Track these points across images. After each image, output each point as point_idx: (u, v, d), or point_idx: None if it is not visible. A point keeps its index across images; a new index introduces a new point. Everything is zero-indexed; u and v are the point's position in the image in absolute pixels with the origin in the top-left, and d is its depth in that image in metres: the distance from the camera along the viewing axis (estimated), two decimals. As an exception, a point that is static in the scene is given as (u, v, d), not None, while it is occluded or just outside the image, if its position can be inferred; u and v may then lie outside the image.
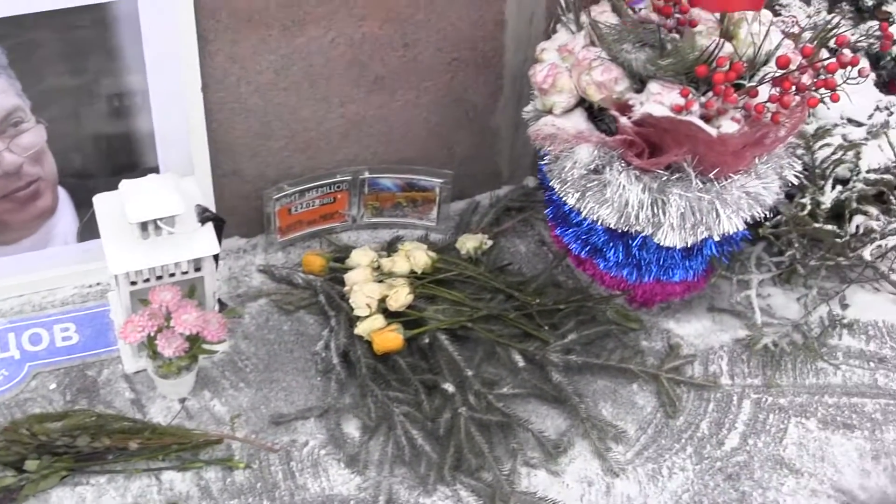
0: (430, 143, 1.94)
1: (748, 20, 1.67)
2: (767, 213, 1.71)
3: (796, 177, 1.74)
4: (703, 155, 1.61)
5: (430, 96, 1.87)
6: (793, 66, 1.54)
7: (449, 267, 1.85)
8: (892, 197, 1.86)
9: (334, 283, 1.85)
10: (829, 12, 2.02)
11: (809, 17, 1.98)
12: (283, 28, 1.69)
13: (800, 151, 1.78)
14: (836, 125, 1.84)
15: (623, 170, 1.64)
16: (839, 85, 1.55)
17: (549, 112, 1.70)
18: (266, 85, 1.75)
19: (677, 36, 1.65)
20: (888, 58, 1.98)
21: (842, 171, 1.87)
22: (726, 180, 1.65)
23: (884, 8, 1.98)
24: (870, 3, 1.97)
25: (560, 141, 1.68)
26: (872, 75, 1.97)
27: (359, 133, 1.87)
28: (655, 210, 1.64)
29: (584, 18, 1.72)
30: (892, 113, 1.93)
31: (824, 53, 1.63)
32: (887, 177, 1.82)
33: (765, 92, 1.56)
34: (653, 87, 1.60)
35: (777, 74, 1.56)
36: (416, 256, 1.82)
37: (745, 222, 1.68)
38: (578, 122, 1.68)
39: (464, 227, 1.98)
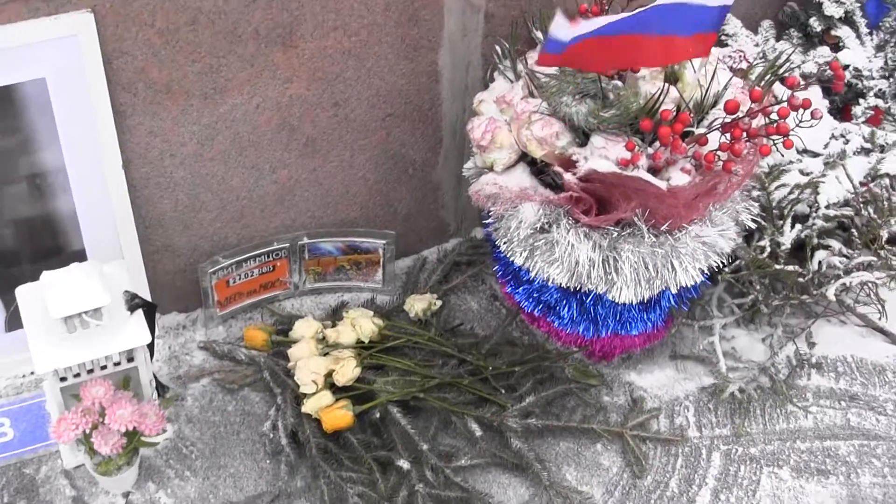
0: (370, 202, 1.85)
1: (692, 62, 1.59)
2: (725, 260, 1.62)
3: (754, 220, 1.65)
4: (654, 208, 1.53)
5: (366, 155, 1.78)
6: (742, 111, 1.45)
7: (397, 334, 1.75)
8: (853, 229, 1.79)
9: (279, 357, 1.76)
10: (778, 39, 1.94)
11: (757, 45, 1.91)
12: (203, 97, 1.60)
13: (756, 193, 1.69)
14: (791, 162, 1.76)
15: (571, 227, 1.56)
16: (792, 129, 1.47)
17: (490, 169, 1.60)
18: (191, 156, 1.65)
19: (620, 83, 1.56)
20: (844, 81, 1.90)
21: (801, 207, 1.78)
22: (680, 232, 1.56)
23: (832, 32, 1.90)
24: (818, 29, 1.89)
25: (503, 200, 1.59)
26: (826, 103, 1.90)
27: (294, 198, 1.78)
28: (608, 268, 1.55)
29: (521, 67, 1.63)
30: (847, 141, 1.86)
31: (779, 88, 1.54)
32: (846, 211, 1.74)
33: (715, 139, 1.48)
34: (596, 140, 1.52)
35: (727, 120, 1.47)
36: (362, 325, 1.73)
37: (704, 270, 1.59)
38: (521, 178, 1.60)
39: (411, 286, 1.89)
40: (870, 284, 1.78)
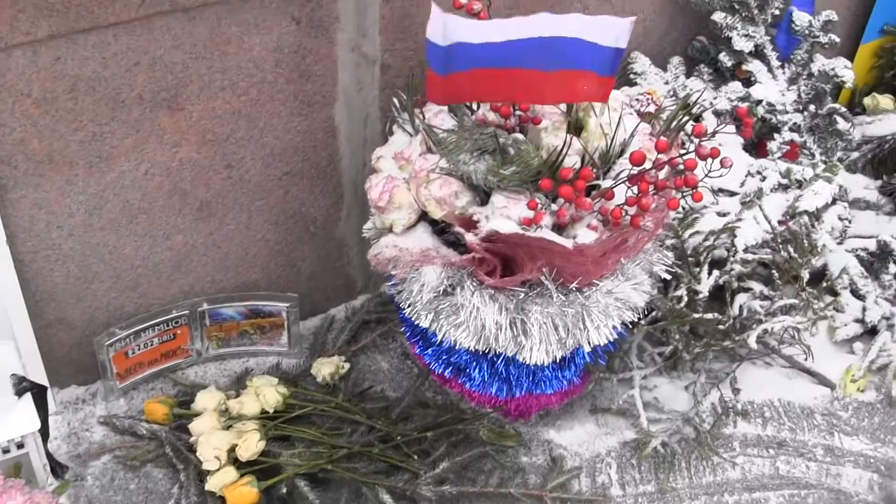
0: (272, 263, 1.77)
1: (595, 108, 1.52)
2: (640, 313, 1.56)
3: (668, 270, 1.59)
4: (561, 267, 1.46)
5: (264, 215, 1.71)
6: (649, 162, 1.39)
7: (302, 402, 1.67)
8: (773, 271, 1.73)
9: (181, 431, 1.66)
10: (688, 76, 1.88)
11: (667, 83, 1.85)
12: (88, 166, 1.52)
13: (670, 242, 1.63)
14: (704, 206, 1.70)
15: (476, 290, 1.48)
16: (701, 181, 1.41)
17: (390, 230, 1.53)
18: (80, 227, 1.57)
19: (521, 136, 1.49)
20: (755, 119, 1.85)
21: (719, 251, 1.72)
22: (591, 289, 1.49)
23: (743, 67, 1.84)
24: (728, 64, 1.83)
25: (404, 264, 1.51)
26: (740, 139, 1.84)
27: (191, 263, 1.70)
28: (516, 330, 1.48)
29: (418, 121, 1.56)
30: (764, 178, 1.80)
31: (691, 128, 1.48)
32: (764, 253, 1.69)
33: (621, 193, 1.41)
34: (497, 199, 1.45)
35: (633, 172, 1.40)
36: (266, 394, 1.65)
37: (617, 327, 1.53)
38: (423, 239, 1.53)
39: (319, 347, 1.81)
40: (791, 329, 1.72)
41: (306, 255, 1.80)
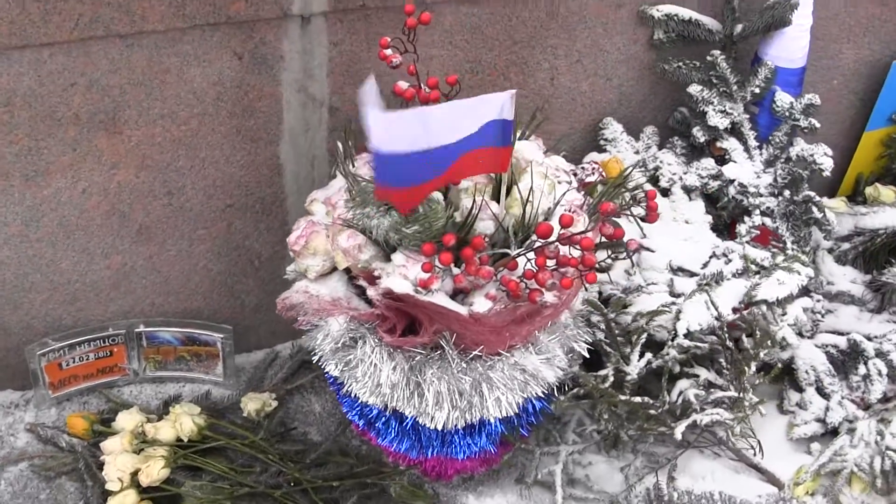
0: (215, 293, 1.77)
1: (531, 171, 1.48)
2: (556, 387, 1.51)
3: (592, 347, 1.53)
4: (460, 333, 1.42)
5: (205, 245, 1.71)
6: (559, 236, 1.35)
7: (217, 436, 1.66)
8: (722, 360, 1.66)
9: (97, 448, 1.67)
10: (661, 147, 1.82)
11: (637, 152, 1.79)
12: (24, 178, 1.54)
13: (596, 318, 1.57)
14: (640, 287, 1.64)
15: (377, 345, 1.45)
16: (600, 263, 1.35)
17: (305, 275, 1.51)
18: (16, 237, 1.59)
19: (437, 195, 1.46)
20: (727, 198, 1.77)
21: (662, 334, 1.66)
22: (496, 358, 1.44)
23: (718, 144, 1.77)
24: (701, 140, 1.76)
25: (311, 311, 1.49)
26: (709, 218, 1.77)
27: (131, 284, 1.71)
28: (411, 391, 1.44)
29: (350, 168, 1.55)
30: (729, 261, 1.72)
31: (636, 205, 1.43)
32: (702, 343, 1.61)
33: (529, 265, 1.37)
34: (397, 258, 1.42)
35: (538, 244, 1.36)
36: (183, 422, 1.64)
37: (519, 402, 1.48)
38: (336, 288, 1.50)
39: (256, 382, 1.80)
40: (722, 423, 1.64)
41: (251, 289, 1.80)
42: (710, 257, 1.77)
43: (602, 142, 1.83)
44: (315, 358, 1.54)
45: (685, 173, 1.80)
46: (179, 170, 1.62)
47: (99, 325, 1.74)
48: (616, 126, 1.84)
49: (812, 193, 1.76)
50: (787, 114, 1.78)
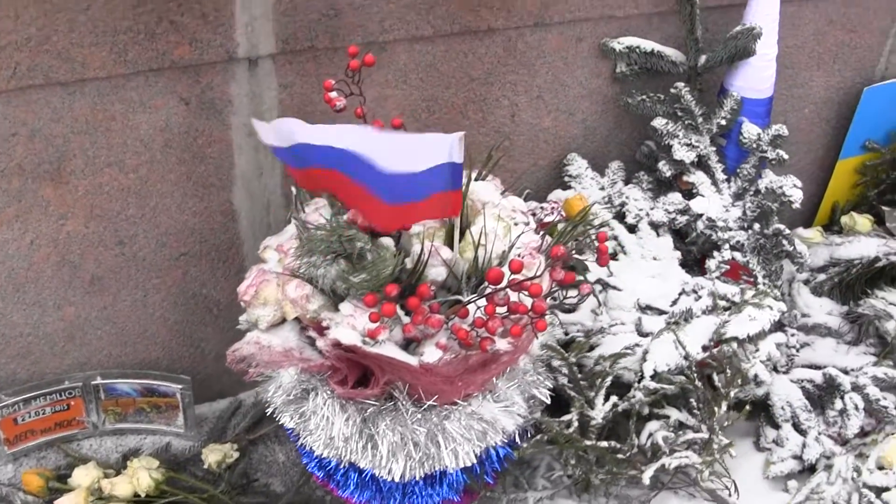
0: (173, 342, 1.73)
1: (484, 214, 1.44)
2: (519, 434, 1.46)
3: (553, 392, 1.49)
4: (412, 383, 1.38)
5: (161, 294, 1.66)
6: (510, 281, 1.30)
7: (175, 491, 1.62)
8: (692, 400, 1.61)
9: (54, 506, 1.63)
10: (627, 182, 1.78)
11: (603, 188, 1.75)
12: (-31, 232, 1.50)
13: (557, 363, 1.53)
14: (603, 329, 1.59)
15: (329, 397, 1.40)
16: (563, 303, 1.31)
17: (256, 326, 1.47)
18: (-36, 291, 1.55)
19: (388, 241, 1.42)
20: (695, 233, 1.73)
21: (629, 375, 1.61)
22: (451, 408, 1.39)
23: (685, 178, 1.72)
24: (667, 174, 1.72)
25: (261, 363, 1.45)
26: (678, 254, 1.72)
27: (86, 336, 1.67)
28: (365, 443, 1.40)
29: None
30: (699, 297, 1.68)
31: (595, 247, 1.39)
32: (675, 383, 1.56)
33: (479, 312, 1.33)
34: (345, 307, 1.38)
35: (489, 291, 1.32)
36: (140, 477, 1.60)
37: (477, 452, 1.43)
38: (288, 338, 1.46)
39: (219, 432, 1.76)
40: (691, 468, 1.59)
41: (210, 337, 1.75)
42: (680, 294, 1.72)
43: (567, 178, 1.79)
44: (268, 410, 1.49)
45: (652, 209, 1.75)
46: (130, 218, 1.58)
47: (55, 378, 1.70)
48: (581, 162, 1.80)
49: (782, 227, 1.72)
50: (754, 145, 1.74)
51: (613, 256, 1.76)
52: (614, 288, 1.71)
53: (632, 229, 1.77)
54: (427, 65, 1.63)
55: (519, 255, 1.42)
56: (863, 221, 1.97)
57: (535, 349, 1.50)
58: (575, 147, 1.83)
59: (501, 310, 1.34)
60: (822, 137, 2.08)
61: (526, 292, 1.30)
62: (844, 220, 2.01)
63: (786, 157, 1.72)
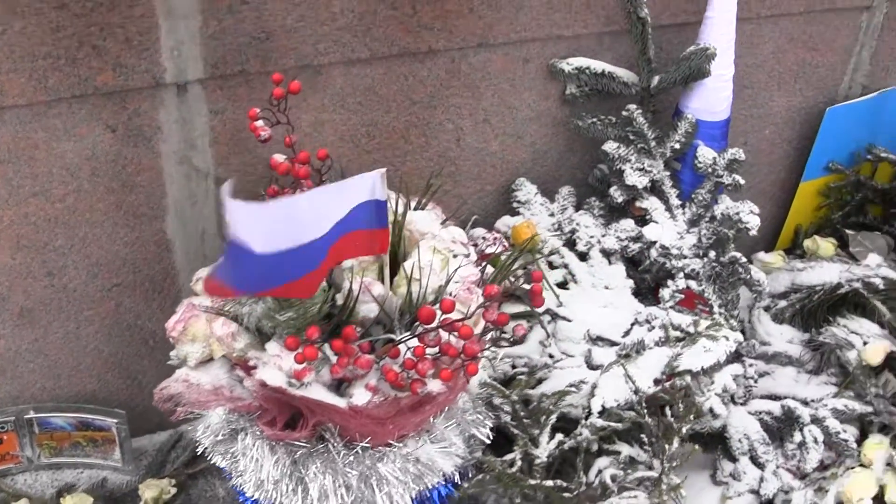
0: (109, 374, 1.67)
1: (418, 247, 1.39)
2: (458, 475, 1.41)
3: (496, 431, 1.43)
4: (343, 425, 1.32)
5: (94, 326, 1.61)
6: (442, 321, 1.25)
7: (106, 530, 1.56)
8: (643, 436, 1.55)
9: (-17, 545, 1.57)
10: (578, 208, 1.71)
11: (553, 214, 1.69)
12: None
13: (498, 400, 1.47)
14: (546, 366, 1.53)
15: (258, 438, 1.35)
16: (482, 352, 1.25)
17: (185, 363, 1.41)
18: None
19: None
20: (649, 261, 1.67)
21: (577, 411, 1.55)
22: (387, 448, 1.34)
23: (638, 204, 1.66)
24: (619, 200, 1.66)
25: (190, 402, 1.39)
26: (631, 283, 1.66)
27: (17, 369, 1.61)
28: (294, 486, 1.34)
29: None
30: (653, 328, 1.62)
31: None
32: (625, 419, 1.50)
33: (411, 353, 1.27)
34: (271, 347, 1.32)
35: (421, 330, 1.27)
36: (66, 517, 1.54)
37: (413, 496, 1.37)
38: (217, 376, 1.41)
39: (158, 466, 1.70)
40: (639, 508, 1.54)
41: (147, 369, 1.69)
42: (632, 325, 1.66)
43: (515, 204, 1.73)
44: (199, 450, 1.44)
45: (603, 236, 1.69)
46: (59, 249, 1.53)
47: (-14, 412, 1.64)
48: (529, 187, 1.74)
49: (738, 255, 1.65)
50: (709, 170, 1.68)
51: (563, 285, 1.70)
52: (564, 318, 1.65)
53: (583, 257, 1.71)
54: (365, 88, 1.57)
55: (451, 294, 1.36)
56: (826, 245, 1.91)
57: (474, 387, 1.45)
58: (524, 171, 1.77)
59: (433, 351, 1.28)
60: (784, 159, 2.02)
61: (457, 333, 1.25)
62: (807, 243, 1.95)
63: (742, 182, 1.66)
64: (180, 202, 1.56)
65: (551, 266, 1.72)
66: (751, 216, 1.65)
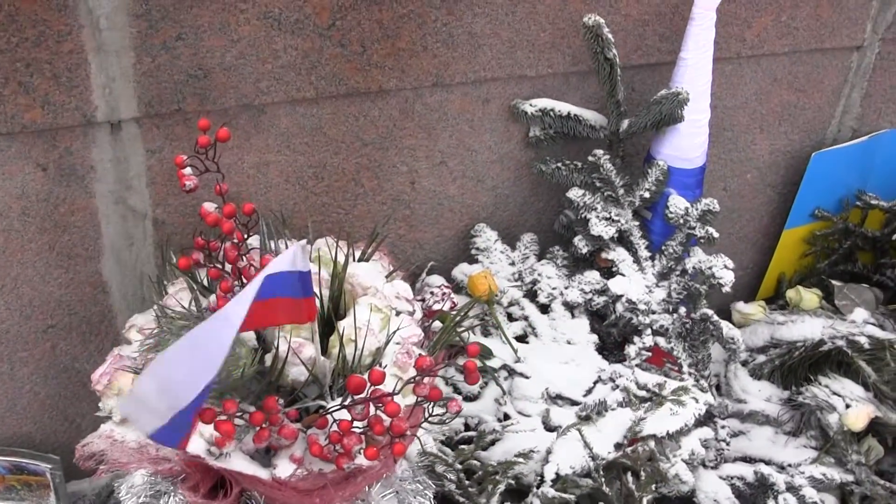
0: (46, 417, 1.60)
1: (356, 303, 1.30)
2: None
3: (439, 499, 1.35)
4: (268, 496, 1.24)
5: (29, 368, 1.53)
6: (371, 393, 1.17)
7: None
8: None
9: None
10: (541, 257, 1.62)
11: (513, 263, 1.60)
12: None
13: (441, 468, 1.38)
14: (495, 431, 1.44)
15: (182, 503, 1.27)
16: (409, 430, 1.16)
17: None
18: None
19: (250, 335, 1.28)
20: (615, 315, 1.57)
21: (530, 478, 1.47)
22: (317, 518, 1.26)
23: (604, 255, 1.57)
24: (584, 251, 1.56)
25: (112, 460, 1.31)
26: (594, 338, 1.57)
27: (-48, 409, 1.54)
28: (217, 558, 1.26)
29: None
30: (617, 386, 1.53)
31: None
32: (580, 488, 1.41)
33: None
34: (191, 412, 1.22)
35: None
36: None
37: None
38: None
39: (96, 513, 1.62)
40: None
41: (85, 412, 1.62)
42: (595, 383, 1.57)
43: (474, 251, 1.63)
44: (123, 508, 1.36)
45: (566, 288, 1.60)
46: (-10, 289, 1.45)
47: (-78, 452, 1.57)
48: (489, 233, 1.64)
49: (710, 312, 1.56)
50: (681, 221, 1.58)
51: (523, 339, 1.61)
52: (521, 375, 1.56)
53: (544, 309, 1.62)
54: (313, 128, 1.48)
55: (392, 356, 1.27)
56: (810, 297, 1.81)
57: (413, 455, 1.36)
58: (485, 216, 1.67)
59: (361, 424, 1.20)
60: (767, 204, 1.92)
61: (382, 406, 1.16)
62: (790, 294, 1.84)
63: (716, 235, 1.56)
64: (117, 243, 1.48)
65: (510, 318, 1.63)
66: (724, 271, 1.55)
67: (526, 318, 1.62)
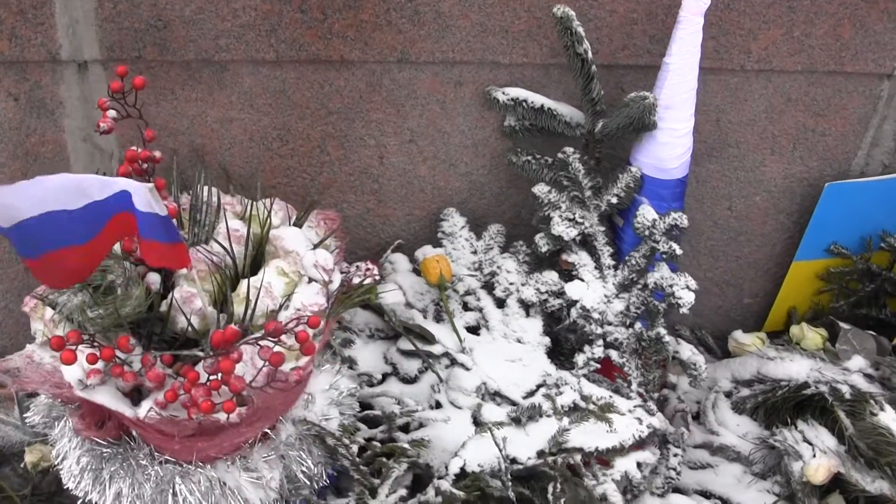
0: (19, 335, 1.71)
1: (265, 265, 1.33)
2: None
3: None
4: (142, 435, 1.28)
5: (3, 286, 1.65)
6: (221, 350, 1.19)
7: (-24, 489, 1.58)
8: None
9: None
10: (505, 250, 1.58)
11: (476, 252, 1.57)
12: None
13: (331, 441, 1.38)
14: (412, 412, 1.43)
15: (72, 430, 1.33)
16: (245, 388, 1.17)
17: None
18: None
19: (154, 279, 1.32)
20: (569, 320, 1.52)
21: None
22: (195, 466, 1.29)
23: (565, 257, 1.52)
24: (544, 250, 1.52)
25: (23, 381, 1.38)
26: (547, 340, 1.53)
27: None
28: (93, 485, 1.32)
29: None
30: (560, 392, 1.48)
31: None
32: (482, 490, 1.38)
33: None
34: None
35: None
36: (-51, 470, 1.57)
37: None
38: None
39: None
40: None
41: (63, 336, 1.69)
42: (539, 386, 1.52)
43: (440, 235, 1.61)
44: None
45: (523, 284, 1.55)
46: None
47: None
48: (457, 219, 1.61)
49: (663, 332, 1.47)
50: (647, 232, 1.50)
51: (475, 330, 1.57)
52: (461, 366, 1.53)
53: (501, 303, 1.58)
54: (276, 91, 1.50)
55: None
56: (813, 336, 1.68)
57: (295, 420, 1.36)
58: (459, 202, 1.64)
59: (213, 378, 1.22)
60: (780, 232, 1.79)
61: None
62: (794, 330, 1.72)
63: (679, 252, 1.47)
64: (85, 179, 1.54)
65: (466, 307, 1.59)
66: (685, 292, 1.47)
67: (480, 310, 1.58)
